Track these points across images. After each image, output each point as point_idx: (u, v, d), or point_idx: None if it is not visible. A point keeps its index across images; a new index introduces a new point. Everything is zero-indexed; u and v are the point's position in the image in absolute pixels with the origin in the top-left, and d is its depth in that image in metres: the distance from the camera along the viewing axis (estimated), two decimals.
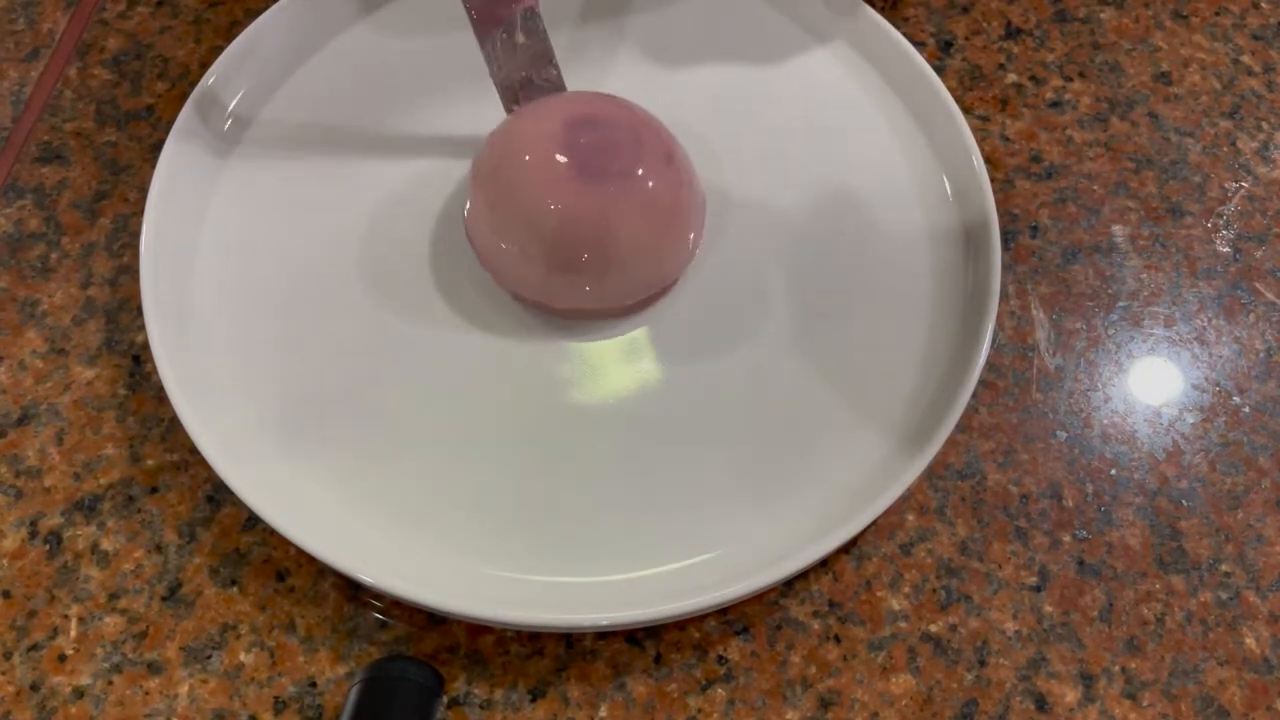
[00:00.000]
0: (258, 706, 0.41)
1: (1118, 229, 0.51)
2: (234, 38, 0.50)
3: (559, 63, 0.48)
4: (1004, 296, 0.49)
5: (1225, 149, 0.53)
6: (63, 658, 0.41)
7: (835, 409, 0.45)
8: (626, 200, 0.44)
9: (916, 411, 0.44)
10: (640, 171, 0.44)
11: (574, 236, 0.44)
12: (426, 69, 0.52)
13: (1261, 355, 0.48)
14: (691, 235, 0.47)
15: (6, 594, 0.43)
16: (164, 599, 0.43)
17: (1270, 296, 0.50)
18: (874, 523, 0.42)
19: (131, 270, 0.48)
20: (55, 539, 0.44)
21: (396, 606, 0.42)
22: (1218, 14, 0.57)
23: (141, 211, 0.46)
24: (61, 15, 0.56)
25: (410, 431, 0.44)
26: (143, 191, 0.47)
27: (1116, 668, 0.42)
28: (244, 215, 0.48)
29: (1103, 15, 0.57)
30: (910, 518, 0.44)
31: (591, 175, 0.43)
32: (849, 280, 0.47)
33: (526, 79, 0.48)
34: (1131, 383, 0.47)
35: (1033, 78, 0.55)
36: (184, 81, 0.54)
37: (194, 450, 0.42)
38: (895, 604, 0.43)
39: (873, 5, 0.53)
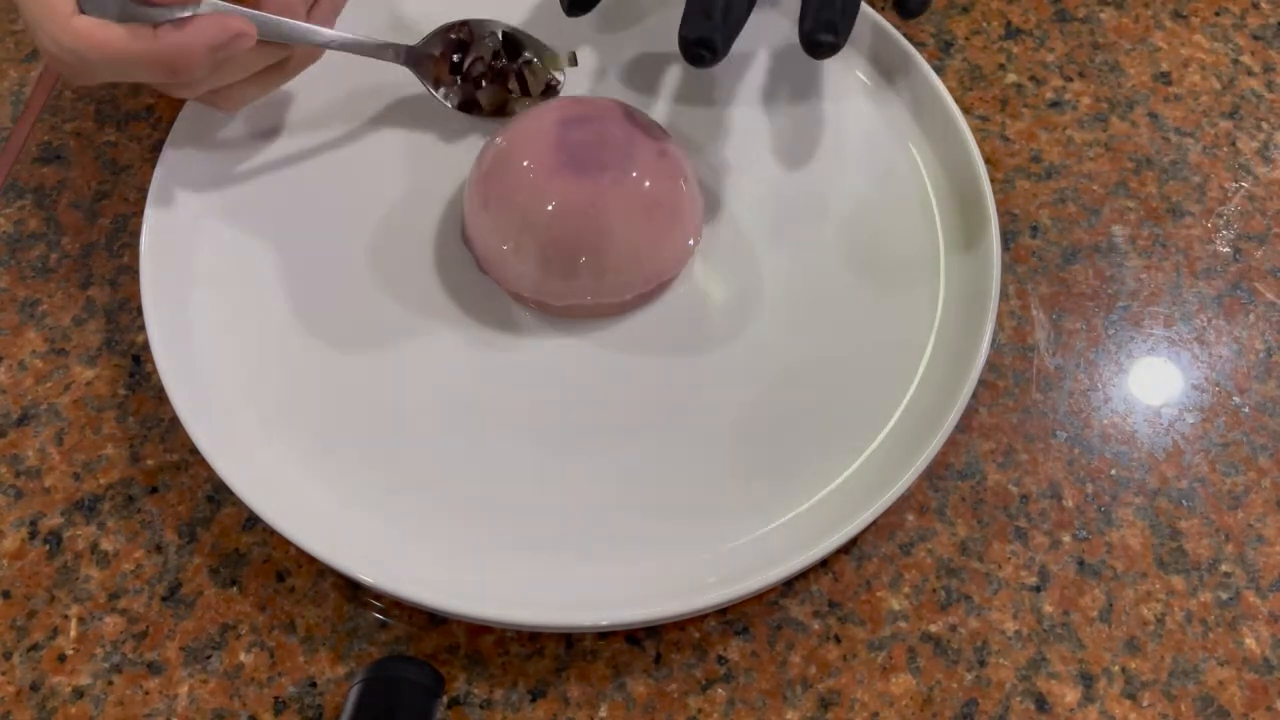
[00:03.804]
0: (258, 706, 0.41)
1: (1118, 229, 0.51)
2: None
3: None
4: (1004, 296, 0.49)
5: (1225, 149, 0.53)
6: (63, 658, 0.41)
7: (835, 408, 0.45)
8: (619, 192, 0.44)
9: (916, 411, 0.44)
10: (633, 164, 0.44)
11: (569, 229, 0.44)
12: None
13: (1261, 355, 0.48)
14: (688, 233, 0.47)
15: (6, 594, 0.43)
16: (164, 599, 0.43)
17: (1270, 296, 0.50)
18: (874, 523, 0.42)
19: (131, 270, 0.48)
20: (55, 539, 0.44)
21: (396, 606, 0.42)
22: (1218, 14, 0.57)
23: (141, 211, 0.46)
24: None
25: (409, 432, 0.44)
26: (143, 191, 0.47)
27: (1116, 668, 0.42)
28: (244, 216, 0.48)
29: (1103, 15, 0.57)
30: (910, 518, 0.44)
31: (584, 169, 0.44)
32: (848, 279, 0.47)
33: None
34: (1131, 383, 0.47)
35: (1033, 78, 0.55)
36: None
37: (194, 450, 0.42)
38: (895, 604, 0.43)
39: (873, 5, 0.53)
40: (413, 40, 0.49)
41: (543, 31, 0.51)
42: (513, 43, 0.50)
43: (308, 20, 0.44)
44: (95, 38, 0.39)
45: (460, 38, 0.49)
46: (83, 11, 0.39)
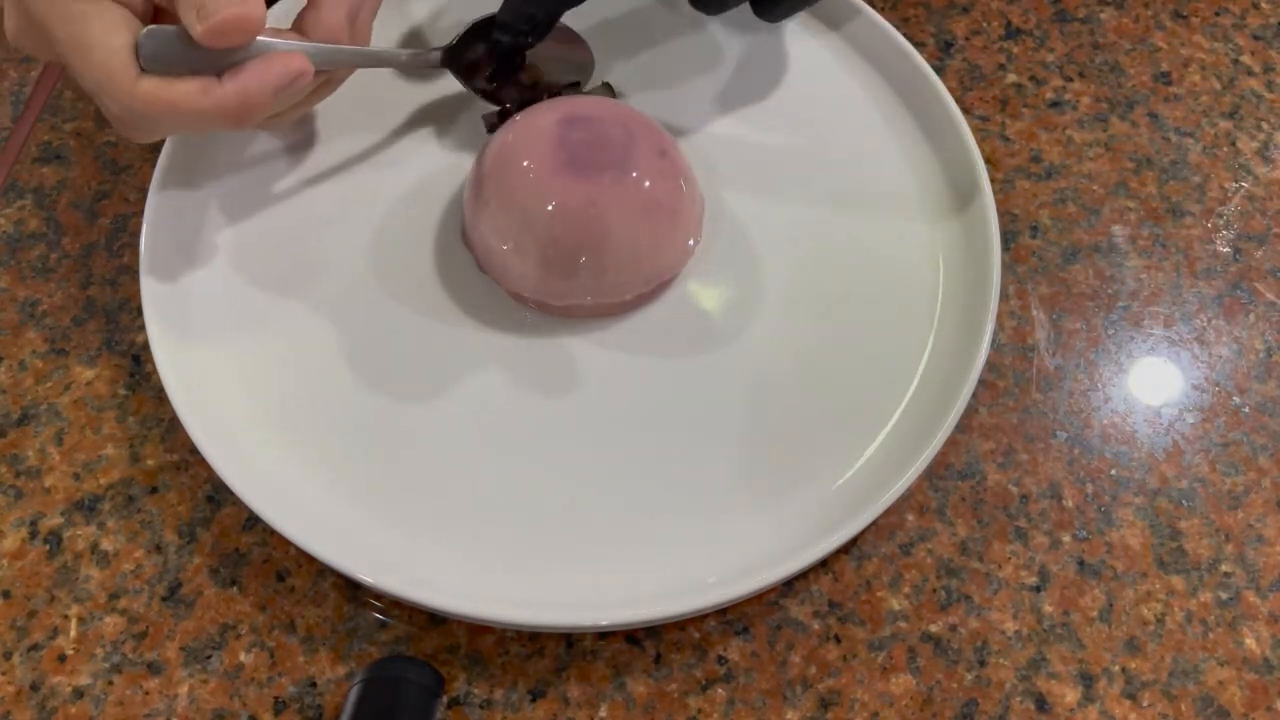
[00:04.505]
0: (258, 706, 0.41)
1: (1118, 229, 0.51)
2: None
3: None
4: (1004, 296, 0.49)
5: (1225, 149, 0.53)
6: (63, 658, 0.41)
7: (834, 409, 0.45)
8: (619, 192, 0.44)
9: (916, 411, 0.44)
10: (633, 163, 0.44)
11: (569, 229, 0.44)
12: (428, 71, 0.52)
13: (1261, 355, 0.48)
14: (688, 233, 0.47)
15: (6, 594, 0.43)
16: (164, 599, 0.43)
17: (1270, 296, 0.50)
18: (874, 523, 0.42)
19: (131, 270, 0.48)
20: (55, 539, 0.44)
21: (396, 606, 0.42)
22: (1218, 14, 0.57)
23: (141, 211, 0.46)
24: None
25: (409, 431, 0.44)
26: (143, 191, 0.47)
27: (1116, 668, 0.42)
28: (244, 215, 0.48)
29: (1103, 15, 0.57)
30: (910, 518, 0.44)
31: (584, 169, 0.44)
32: (848, 280, 0.47)
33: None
34: (1131, 383, 0.47)
35: (1033, 78, 0.55)
36: None
37: (194, 450, 0.42)
38: (895, 604, 0.43)
39: (873, 4, 0.53)
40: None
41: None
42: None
43: (352, 37, 0.43)
44: (163, 100, 0.38)
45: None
46: (143, 69, 0.38)
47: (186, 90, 0.39)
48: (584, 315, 0.46)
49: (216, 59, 0.39)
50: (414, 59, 0.48)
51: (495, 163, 0.45)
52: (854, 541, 0.44)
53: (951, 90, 0.50)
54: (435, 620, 0.42)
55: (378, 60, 0.45)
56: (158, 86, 0.38)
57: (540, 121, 0.45)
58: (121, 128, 0.41)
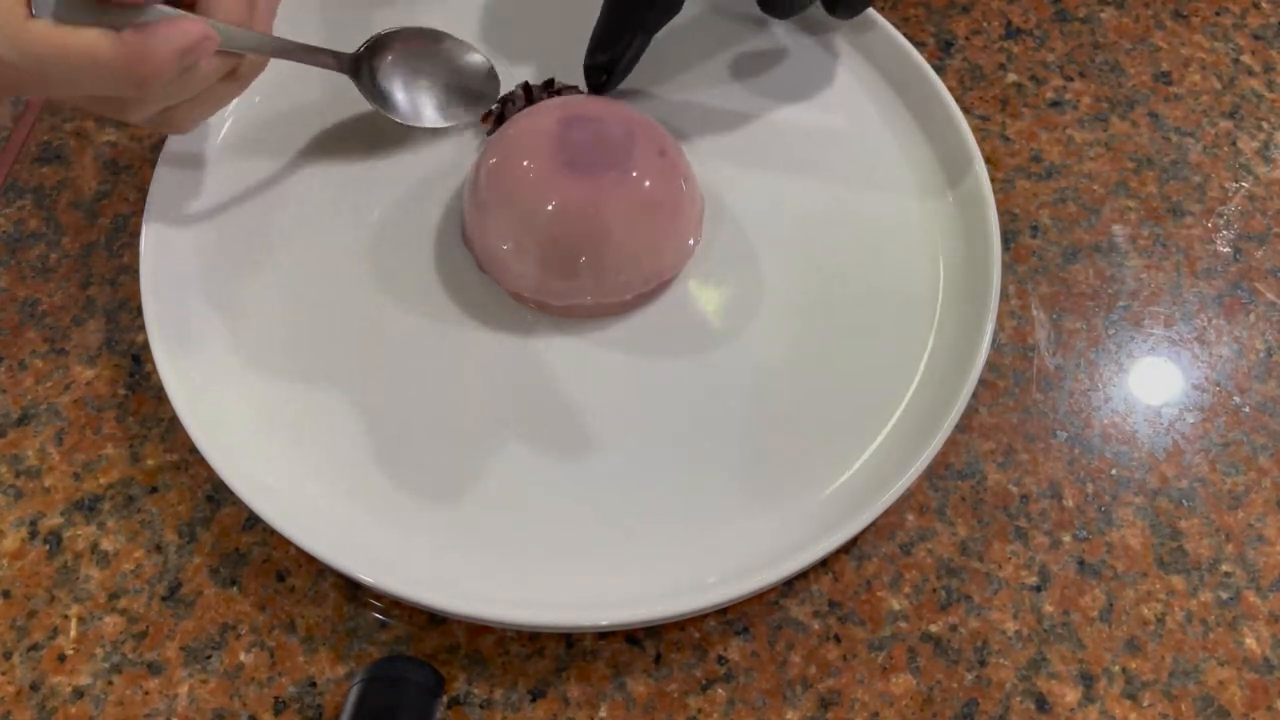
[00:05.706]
0: (258, 706, 0.41)
1: (1118, 229, 0.51)
2: None
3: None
4: (1004, 296, 0.49)
5: (1225, 149, 0.53)
6: (63, 658, 0.41)
7: (834, 409, 0.45)
8: (619, 191, 0.44)
9: (916, 411, 0.44)
10: (633, 163, 0.44)
11: (569, 228, 0.44)
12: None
13: (1261, 355, 0.48)
14: (688, 233, 0.47)
15: (6, 594, 0.43)
16: (164, 599, 0.43)
17: (1270, 296, 0.50)
18: (874, 523, 0.42)
19: (131, 270, 0.48)
20: (55, 539, 0.44)
21: (396, 606, 0.42)
22: (1218, 14, 0.57)
23: (141, 211, 0.46)
24: None
25: (409, 432, 0.44)
26: (143, 191, 0.47)
27: (1116, 668, 0.42)
28: (243, 215, 0.48)
29: (1103, 15, 0.57)
30: (910, 518, 0.44)
31: (584, 168, 0.44)
32: (848, 279, 0.47)
33: None
34: (1132, 383, 0.47)
35: (1033, 78, 0.55)
36: None
37: (194, 450, 0.42)
38: (895, 604, 0.43)
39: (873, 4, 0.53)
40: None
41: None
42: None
43: (253, 24, 0.41)
44: (61, 46, 0.35)
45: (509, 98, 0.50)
46: (34, 15, 0.35)
47: (86, 38, 0.35)
48: (584, 315, 0.46)
49: (113, 19, 0.36)
50: (314, 57, 0.46)
51: (495, 163, 0.45)
52: (854, 541, 0.43)
53: (951, 90, 0.50)
54: (435, 620, 0.42)
55: (278, 50, 0.43)
56: (53, 30, 0.35)
57: (540, 121, 0.45)
58: (7, 77, 0.36)
